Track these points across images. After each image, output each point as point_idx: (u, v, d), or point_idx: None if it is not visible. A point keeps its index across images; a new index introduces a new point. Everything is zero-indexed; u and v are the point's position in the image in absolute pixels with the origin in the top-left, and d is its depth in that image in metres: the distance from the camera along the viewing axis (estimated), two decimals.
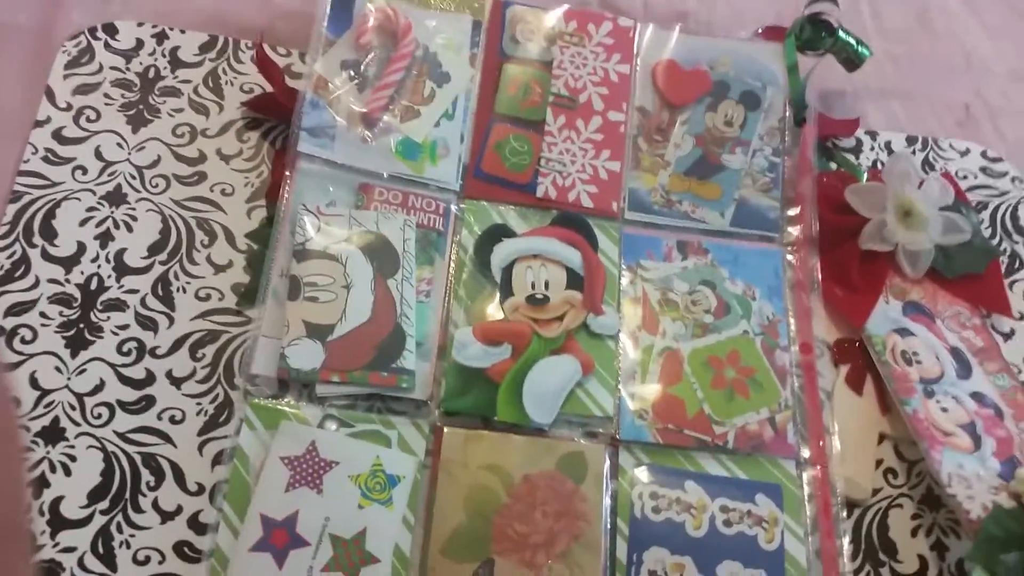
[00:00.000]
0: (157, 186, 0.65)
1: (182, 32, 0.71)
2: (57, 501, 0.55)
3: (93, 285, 0.61)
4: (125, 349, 0.60)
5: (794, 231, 0.68)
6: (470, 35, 0.71)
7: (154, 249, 0.63)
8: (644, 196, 0.68)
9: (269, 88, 0.68)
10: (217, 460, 0.57)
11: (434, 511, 0.56)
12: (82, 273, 0.62)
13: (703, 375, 0.62)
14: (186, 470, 0.57)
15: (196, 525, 0.55)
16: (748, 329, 0.64)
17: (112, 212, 0.64)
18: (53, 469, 0.56)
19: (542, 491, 0.57)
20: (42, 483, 0.55)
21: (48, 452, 0.56)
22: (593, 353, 0.61)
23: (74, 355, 0.59)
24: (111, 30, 0.71)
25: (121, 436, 0.57)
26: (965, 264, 0.68)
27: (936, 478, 0.60)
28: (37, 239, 0.62)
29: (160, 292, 0.62)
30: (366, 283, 0.61)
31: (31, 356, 0.58)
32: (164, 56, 0.70)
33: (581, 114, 0.69)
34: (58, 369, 0.58)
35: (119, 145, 0.66)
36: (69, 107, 0.67)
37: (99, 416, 0.57)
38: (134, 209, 0.64)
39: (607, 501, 0.57)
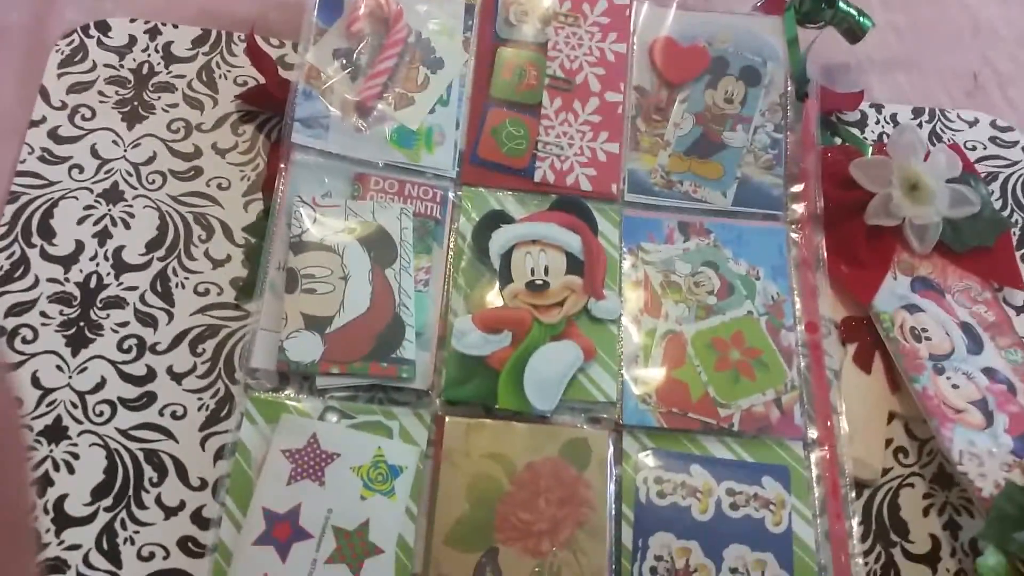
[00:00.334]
0: (154, 182, 0.65)
1: (174, 27, 0.71)
2: (61, 499, 0.55)
3: (92, 283, 0.61)
4: (125, 346, 0.60)
5: (798, 208, 0.67)
6: (463, 19, 0.70)
7: (152, 245, 0.63)
8: (644, 177, 0.67)
9: (263, 80, 0.68)
10: (219, 455, 0.57)
11: (437, 501, 0.56)
12: (81, 271, 0.62)
13: (707, 357, 0.61)
14: (188, 465, 0.57)
15: (199, 520, 0.55)
16: (752, 309, 0.63)
17: (109, 210, 0.64)
18: (56, 468, 0.56)
19: (545, 478, 0.56)
20: (46, 482, 0.55)
21: (51, 451, 0.56)
22: (595, 338, 0.61)
23: (75, 353, 0.59)
24: (104, 27, 0.70)
25: (123, 433, 0.57)
26: (975, 237, 0.67)
27: (947, 456, 0.59)
28: (36, 239, 0.62)
29: (159, 288, 0.62)
30: (364, 274, 0.60)
31: (32, 356, 0.59)
32: (157, 52, 0.70)
33: (578, 96, 0.68)
34: (59, 368, 0.58)
35: (115, 142, 0.66)
36: (64, 106, 0.67)
37: (101, 414, 0.58)
38: (131, 206, 0.64)
39: (611, 487, 0.57)
